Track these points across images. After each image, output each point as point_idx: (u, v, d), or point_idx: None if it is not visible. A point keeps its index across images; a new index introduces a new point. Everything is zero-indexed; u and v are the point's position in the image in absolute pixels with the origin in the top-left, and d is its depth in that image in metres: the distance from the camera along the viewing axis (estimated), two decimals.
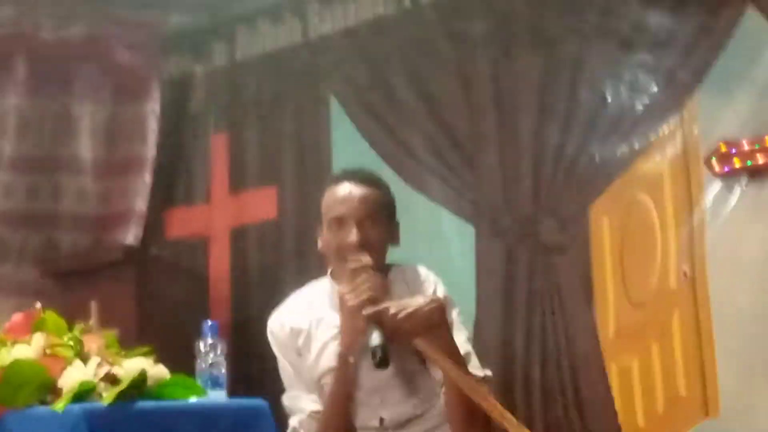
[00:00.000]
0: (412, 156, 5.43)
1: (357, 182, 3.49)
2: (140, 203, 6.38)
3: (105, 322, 4.36)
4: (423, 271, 3.61)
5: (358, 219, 3.41)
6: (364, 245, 3.37)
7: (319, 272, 5.70)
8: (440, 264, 5.25)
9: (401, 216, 5.13)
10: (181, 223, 6.40)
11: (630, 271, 4.80)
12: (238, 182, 6.20)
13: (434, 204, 5.33)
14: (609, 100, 4.86)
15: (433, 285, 3.54)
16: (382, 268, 3.43)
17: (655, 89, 4.79)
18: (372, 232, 3.42)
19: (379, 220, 3.46)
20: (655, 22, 4.76)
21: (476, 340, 4.97)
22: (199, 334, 3.98)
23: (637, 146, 4.81)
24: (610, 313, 4.83)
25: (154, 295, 5.82)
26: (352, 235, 3.38)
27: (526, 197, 5.02)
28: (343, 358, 3.31)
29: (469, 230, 5.19)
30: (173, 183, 6.45)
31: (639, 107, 4.81)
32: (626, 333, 4.79)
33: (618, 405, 4.78)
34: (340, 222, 3.42)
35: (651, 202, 4.78)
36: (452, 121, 5.32)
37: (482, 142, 5.19)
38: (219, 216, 6.24)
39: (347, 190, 3.46)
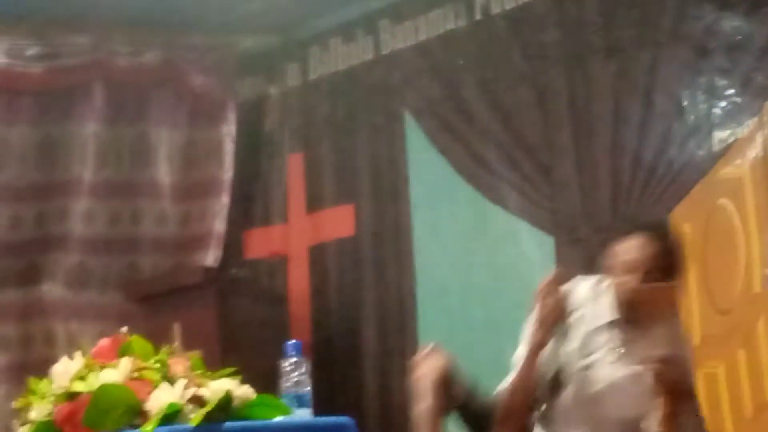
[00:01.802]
0: (489, 168, 5.42)
1: (644, 233, 3.71)
2: (219, 225, 6.45)
3: (188, 344, 4.39)
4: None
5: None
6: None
7: (399, 287, 5.75)
8: (520, 275, 5.28)
9: (480, 228, 5.11)
10: (260, 244, 6.44)
11: (713, 277, 4.74)
12: (315, 201, 6.22)
13: (513, 216, 5.30)
14: (685, 105, 4.81)
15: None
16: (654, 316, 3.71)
17: (732, 93, 4.73)
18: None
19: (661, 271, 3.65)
20: (730, 25, 4.71)
21: None
22: (280, 353, 3.98)
23: (715, 151, 4.75)
24: (695, 320, 4.78)
25: (235, 316, 5.85)
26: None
27: (604, 206, 4.98)
28: None
29: (549, 240, 5.16)
30: (251, 204, 6.49)
31: (716, 111, 4.76)
32: (712, 339, 4.73)
33: (705, 411, 4.71)
34: (628, 268, 3.67)
35: (732, 207, 4.72)
36: (527, 132, 5.30)
37: (558, 152, 5.17)
38: (297, 235, 6.27)
39: (637, 240, 3.69)
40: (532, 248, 5.27)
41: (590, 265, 4.96)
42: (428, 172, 5.74)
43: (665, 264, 3.63)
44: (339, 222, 6.05)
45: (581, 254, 5.03)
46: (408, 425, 3.90)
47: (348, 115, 6.11)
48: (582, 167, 5.08)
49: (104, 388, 3.57)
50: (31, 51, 6.23)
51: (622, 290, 3.65)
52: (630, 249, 3.67)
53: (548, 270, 5.06)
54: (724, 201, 4.77)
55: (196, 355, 3.93)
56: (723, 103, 4.75)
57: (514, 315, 5.29)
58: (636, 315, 3.69)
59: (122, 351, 3.78)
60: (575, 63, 5.15)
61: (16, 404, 3.59)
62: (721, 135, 4.75)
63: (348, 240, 6.01)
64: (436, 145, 5.68)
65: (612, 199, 4.97)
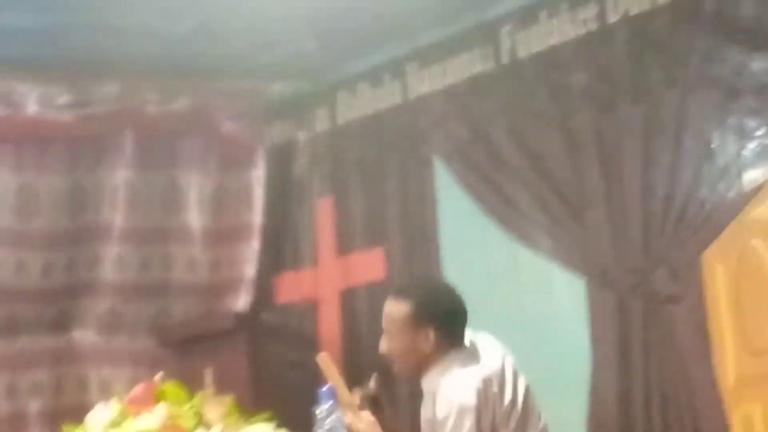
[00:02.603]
0: (519, 211, 5.41)
1: (390, 296, 3.98)
2: (249, 270, 6.47)
3: (220, 389, 4.39)
4: (454, 378, 3.82)
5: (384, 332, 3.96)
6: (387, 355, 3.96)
7: None
8: (552, 318, 5.27)
9: (511, 271, 5.10)
10: (291, 288, 6.44)
11: (747, 318, 4.73)
12: (345, 244, 6.23)
13: (544, 258, 5.30)
14: (715, 146, 4.80)
15: (444, 396, 3.79)
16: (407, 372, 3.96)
17: (761, 133, 4.72)
18: (392, 343, 3.92)
19: (401, 331, 3.90)
20: (759, 66, 4.70)
21: (594, 393, 4.95)
22: (312, 397, 3.99)
23: (746, 192, 4.73)
24: (729, 362, 4.76)
25: (266, 361, 5.84)
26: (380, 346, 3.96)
27: (636, 248, 4.97)
28: None
29: (580, 283, 5.15)
30: (281, 248, 6.50)
31: (746, 152, 4.74)
32: (747, 381, 4.71)
33: None
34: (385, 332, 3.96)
35: (764, 247, 4.71)
36: (557, 174, 5.30)
37: (589, 194, 5.16)
38: (327, 279, 6.27)
39: (389, 304, 3.97)
40: (564, 290, 5.26)
41: (623, 307, 4.99)
42: (458, 215, 5.74)
43: (416, 319, 3.86)
44: (369, 266, 6.05)
45: (613, 296, 5.02)
46: None
47: (377, 159, 6.12)
48: (612, 209, 5.06)
49: None
50: (62, 99, 6.28)
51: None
52: (384, 314, 3.95)
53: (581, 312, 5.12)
54: (756, 242, 4.76)
55: (230, 400, 3.93)
56: (753, 144, 4.73)
57: (544, 357, 5.30)
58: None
59: (157, 397, 3.79)
60: (604, 105, 5.14)
61: None
62: (751, 176, 4.74)
63: (378, 283, 6.01)
64: (466, 188, 5.68)
65: (643, 241, 4.95)
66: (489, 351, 3.94)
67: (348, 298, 6.17)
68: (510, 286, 5.48)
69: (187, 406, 3.75)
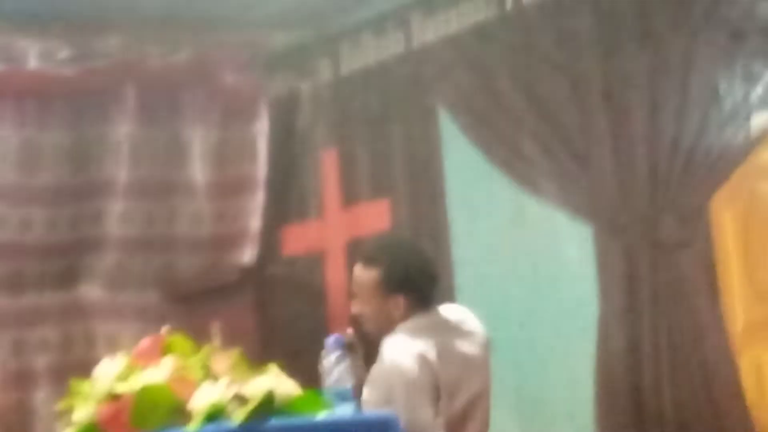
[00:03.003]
0: (525, 159, 5.37)
1: (359, 261, 3.93)
2: (254, 222, 6.46)
3: (227, 342, 4.39)
4: (392, 344, 3.83)
5: (353, 295, 3.95)
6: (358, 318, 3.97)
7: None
8: (560, 266, 5.25)
9: (518, 219, 5.08)
10: (296, 240, 6.43)
11: (756, 263, 4.71)
12: (350, 196, 6.21)
13: (551, 206, 5.27)
14: (722, 90, 4.76)
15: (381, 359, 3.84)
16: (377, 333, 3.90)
17: None
18: (363, 307, 3.90)
19: (371, 297, 3.87)
20: (766, 8, 4.65)
21: (602, 340, 4.94)
22: (319, 348, 3.98)
23: (754, 136, 4.70)
24: (737, 307, 4.75)
25: (273, 313, 5.85)
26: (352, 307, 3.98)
27: (643, 194, 4.93)
28: None
29: (587, 230, 5.12)
30: (286, 200, 6.48)
31: (754, 96, 4.70)
32: (756, 326, 4.70)
33: (750, 399, 4.68)
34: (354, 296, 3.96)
35: None
36: (563, 121, 5.25)
37: (595, 140, 5.12)
38: (333, 231, 6.26)
39: (356, 269, 3.93)
40: (571, 238, 5.24)
41: (630, 254, 4.97)
42: (464, 165, 5.71)
43: (385, 286, 3.82)
44: (375, 217, 6.02)
45: (620, 243, 4.99)
46: None
47: (381, 110, 6.08)
48: (619, 155, 5.02)
49: (147, 389, 3.57)
50: (63, 54, 6.24)
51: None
52: (353, 279, 3.92)
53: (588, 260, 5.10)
54: (764, 186, 4.74)
55: (237, 352, 3.92)
56: (760, 88, 4.69)
57: (553, 306, 5.29)
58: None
59: (164, 350, 3.77)
60: (610, 50, 5.09)
61: (58, 406, 3.60)
62: (759, 120, 4.70)
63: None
64: (471, 138, 5.64)
65: (650, 187, 4.91)
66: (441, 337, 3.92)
67: (354, 249, 6.13)
68: (517, 235, 5.45)
69: (194, 359, 3.74)
